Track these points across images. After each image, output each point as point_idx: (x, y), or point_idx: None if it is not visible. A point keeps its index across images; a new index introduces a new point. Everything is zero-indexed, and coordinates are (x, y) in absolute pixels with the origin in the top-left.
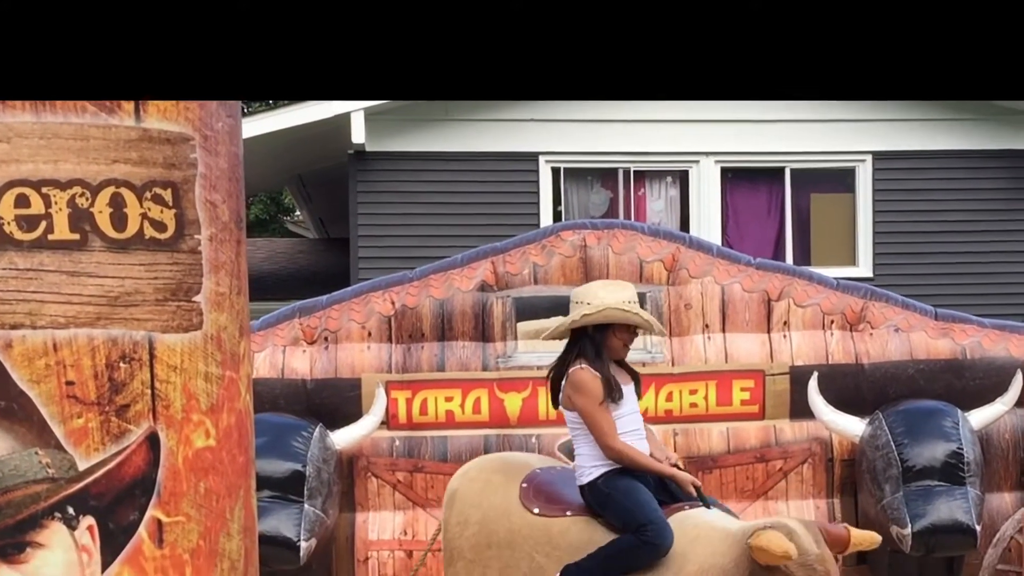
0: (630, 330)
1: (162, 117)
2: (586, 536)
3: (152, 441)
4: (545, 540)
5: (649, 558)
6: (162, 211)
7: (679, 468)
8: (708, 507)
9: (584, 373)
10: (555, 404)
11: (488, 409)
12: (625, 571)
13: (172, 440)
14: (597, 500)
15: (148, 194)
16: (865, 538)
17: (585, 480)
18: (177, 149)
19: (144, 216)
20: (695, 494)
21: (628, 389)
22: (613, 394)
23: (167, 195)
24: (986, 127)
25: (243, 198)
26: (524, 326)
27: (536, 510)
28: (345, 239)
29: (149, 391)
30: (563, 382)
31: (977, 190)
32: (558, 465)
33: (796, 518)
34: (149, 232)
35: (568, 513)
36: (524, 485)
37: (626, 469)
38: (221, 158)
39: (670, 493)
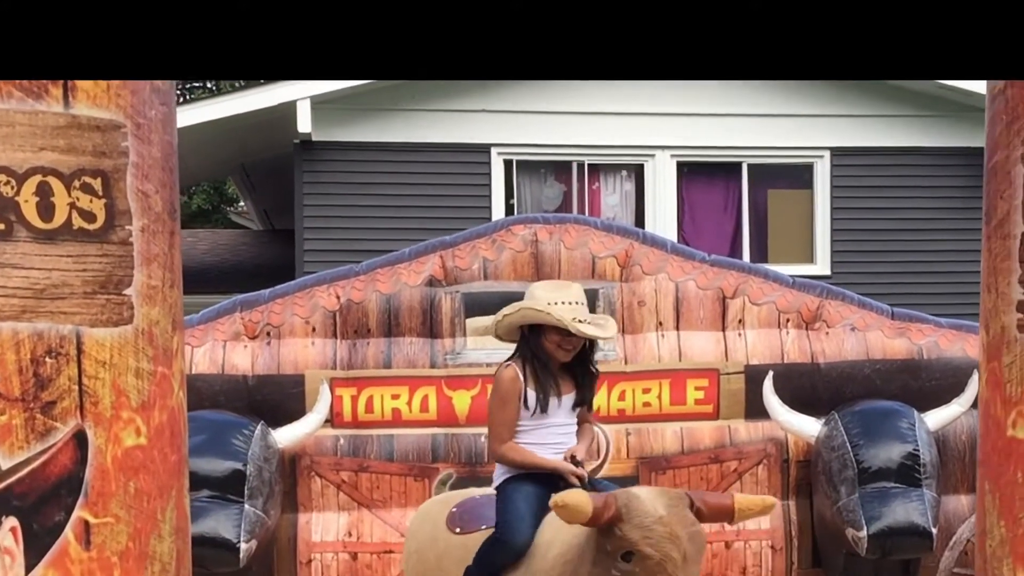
0: (562, 333)
1: (92, 103)
2: None
3: (79, 439)
4: (465, 556)
5: (502, 556)
6: (91, 201)
7: (577, 463)
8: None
9: (505, 371)
10: (544, 409)
11: (436, 407)
12: (492, 571)
13: (100, 438)
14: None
15: (77, 183)
16: (754, 502)
17: (492, 488)
18: (108, 136)
19: (72, 206)
20: (577, 484)
21: (567, 399)
22: (541, 402)
23: (97, 184)
24: (946, 124)
25: (177, 188)
26: (473, 322)
27: (457, 530)
28: (290, 231)
29: (76, 387)
30: None
31: (937, 187)
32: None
33: (655, 487)
34: (78, 222)
35: (483, 527)
36: (454, 510)
37: (525, 473)
38: (154, 147)
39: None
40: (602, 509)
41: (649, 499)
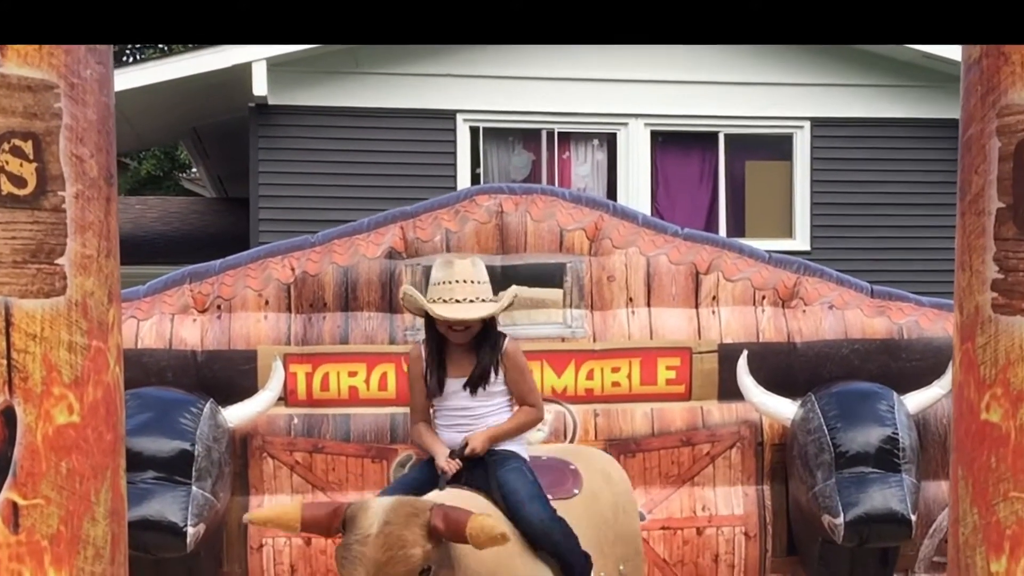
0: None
1: (22, 62)
2: None
3: (7, 416)
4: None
5: None
6: (21, 165)
7: (457, 454)
8: (441, 490)
9: (414, 351)
10: (432, 395)
11: (395, 385)
12: None
13: (30, 415)
14: None
15: (6, 146)
16: (484, 530)
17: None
18: (39, 97)
19: (1, 170)
20: (447, 477)
21: (454, 383)
22: (431, 384)
23: (27, 147)
24: (930, 95)
25: (114, 152)
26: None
27: None
28: (244, 199)
29: (4, 361)
30: None
31: (920, 160)
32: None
33: (394, 499)
34: (7, 188)
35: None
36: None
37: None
38: (89, 108)
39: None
40: (326, 517)
41: (375, 512)
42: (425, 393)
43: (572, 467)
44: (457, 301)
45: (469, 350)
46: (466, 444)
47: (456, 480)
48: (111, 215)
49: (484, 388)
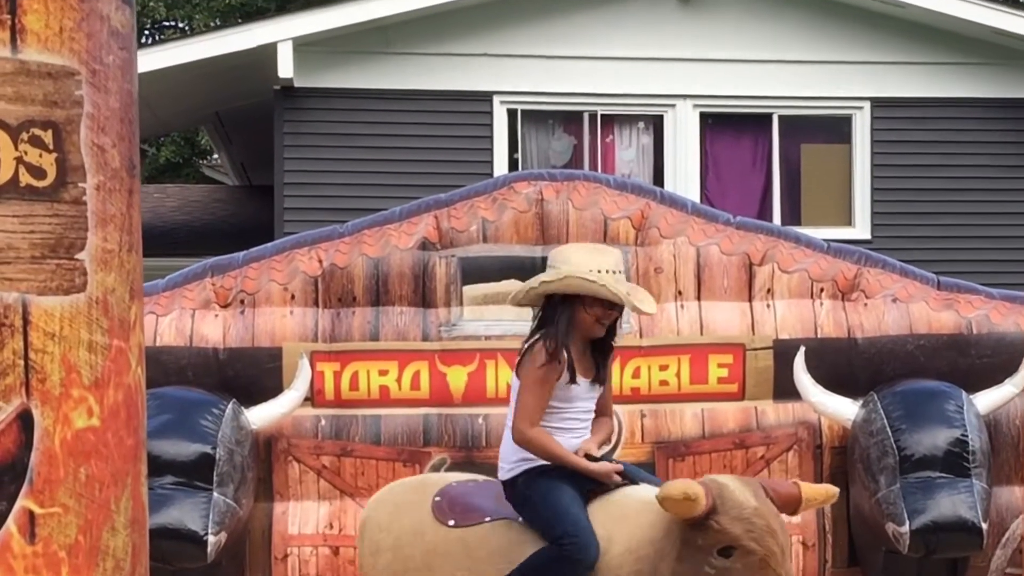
0: (605, 306)
1: (42, 48)
2: (504, 540)
3: (24, 420)
4: (464, 554)
5: (575, 572)
6: (41, 155)
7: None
8: (636, 483)
9: (543, 353)
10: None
11: (428, 385)
12: None
13: (48, 419)
14: (515, 502)
15: (25, 135)
16: (818, 492)
17: (505, 476)
18: (60, 84)
19: (20, 160)
20: (619, 483)
21: (584, 382)
22: (572, 382)
23: (47, 137)
24: (999, 73)
25: (137, 142)
26: (471, 290)
27: (451, 522)
28: (269, 187)
29: (22, 362)
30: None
31: (989, 143)
32: (480, 478)
33: (731, 476)
34: (25, 179)
35: (487, 519)
36: (437, 499)
37: (551, 467)
38: (112, 96)
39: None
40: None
41: (739, 489)
42: (549, 397)
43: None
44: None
45: (584, 347)
46: (602, 450)
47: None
48: (133, 207)
49: (599, 387)
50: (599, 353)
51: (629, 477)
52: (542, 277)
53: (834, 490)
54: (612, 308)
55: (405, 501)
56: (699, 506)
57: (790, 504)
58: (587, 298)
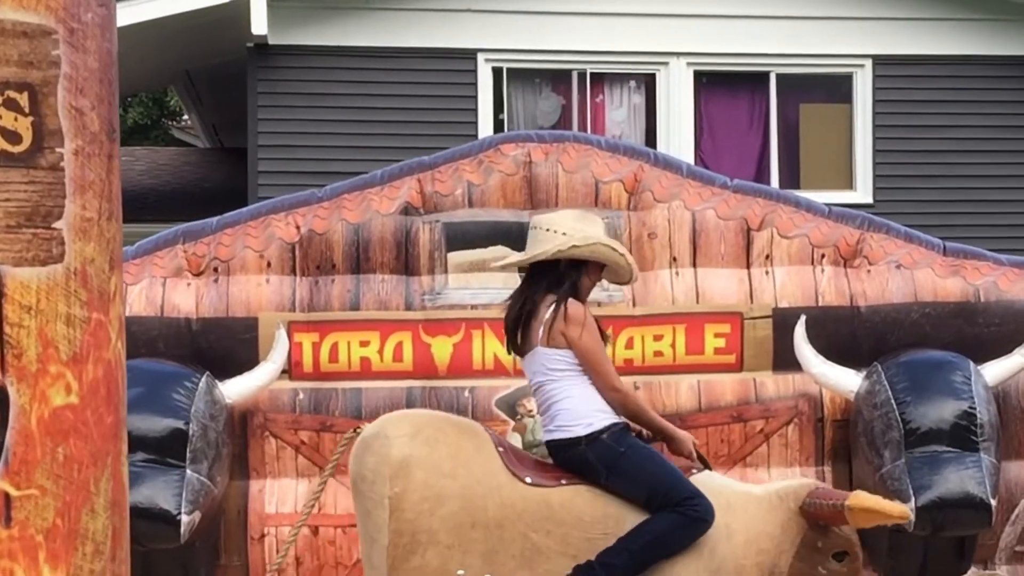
0: (600, 274)
1: (17, 5)
2: (598, 509)
3: None
4: (545, 515)
5: (696, 536)
6: (16, 119)
7: None
8: (710, 469)
9: (578, 307)
10: (512, 350)
11: (412, 356)
12: (670, 555)
13: (24, 396)
14: (603, 458)
15: None
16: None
17: (582, 430)
18: (35, 44)
19: None
20: (695, 455)
21: None
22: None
23: (22, 100)
24: (1007, 30)
25: (116, 104)
26: (456, 257)
27: (529, 479)
28: (242, 149)
29: None
30: (540, 319)
31: (996, 102)
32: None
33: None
34: (0, 144)
35: (563, 482)
36: (501, 450)
37: (625, 426)
38: (90, 56)
39: None
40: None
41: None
42: None
43: None
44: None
45: None
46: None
47: None
48: (113, 173)
49: None
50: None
51: (702, 457)
52: (568, 242)
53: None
54: (600, 277)
55: (463, 445)
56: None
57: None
58: (592, 265)
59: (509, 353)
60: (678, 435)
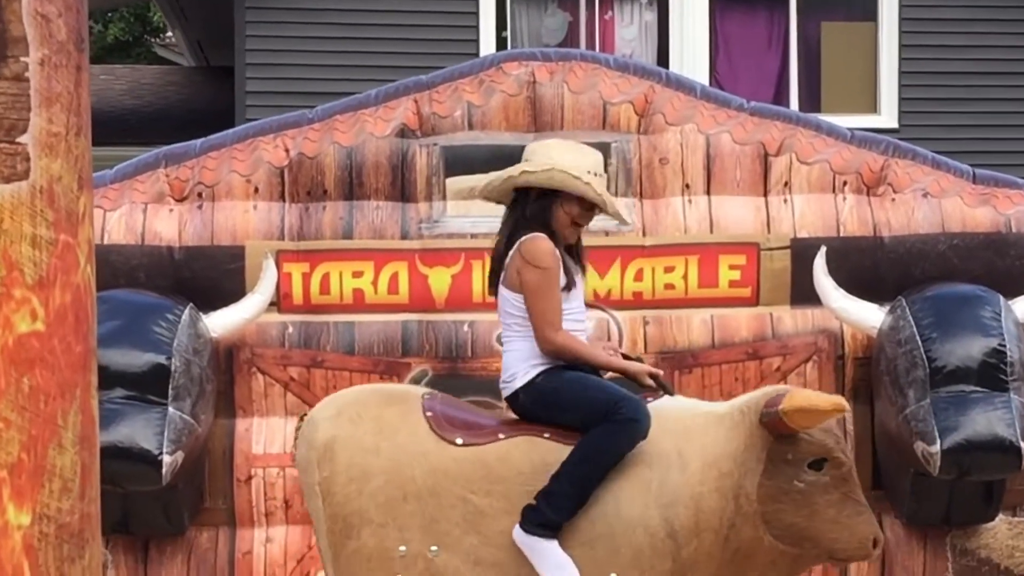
0: (583, 207)
1: None
2: (536, 459)
3: None
4: (482, 475)
5: (630, 440)
6: None
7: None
8: (672, 395)
9: (542, 242)
10: (492, 290)
11: (408, 288)
12: (607, 468)
13: None
14: (539, 402)
15: None
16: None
17: (519, 383)
18: None
19: None
20: (653, 384)
21: (580, 282)
22: (568, 277)
23: None
24: None
25: (85, 12)
26: (455, 182)
27: (459, 440)
28: (229, 68)
29: None
30: (509, 256)
31: None
32: (436, 393)
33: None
34: None
35: (501, 436)
36: (429, 414)
37: (572, 365)
38: None
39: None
40: None
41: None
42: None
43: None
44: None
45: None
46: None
47: None
48: (82, 86)
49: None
50: (573, 259)
51: (662, 384)
52: (523, 167)
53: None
54: (590, 211)
55: (387, 417)
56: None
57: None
58: (565, 197)
59: (491, 294)
60: (630, 369)
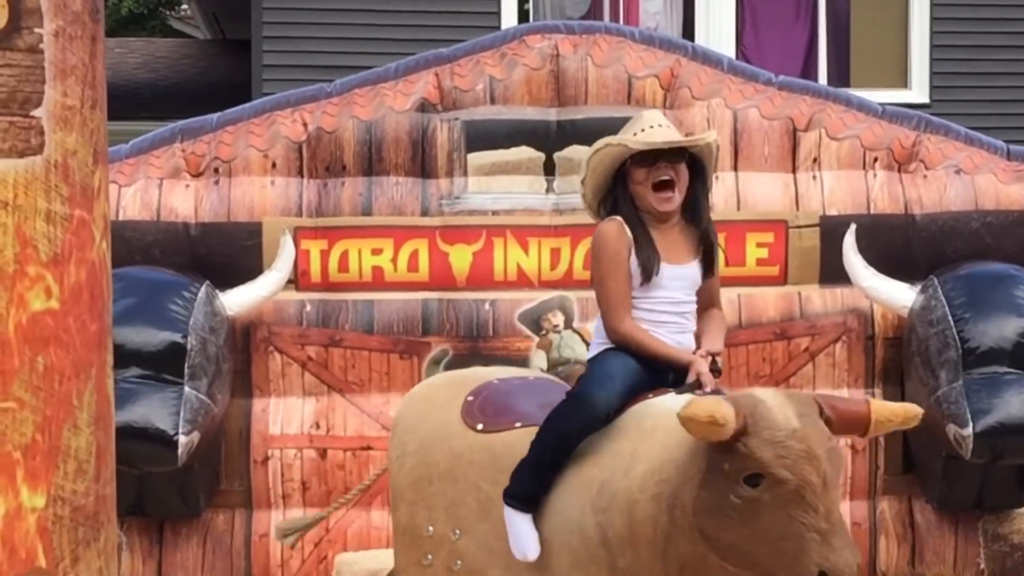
0: (644, 165)
1: None
2: None
3: None
4: (489, 463)
5: (579, 419)
6: None
7: (715, 367)
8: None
9: (609, 225)
10: (648, 278)
11: (428, 266)
12: (558, 444)
13: (1, 301)
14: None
15: None
16: (895, 412)
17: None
18: None
19: None
20: (703, 380)
21: (676, 271)
22: (647, 264)
23: None
24: None
25: None
26: (477, 158)
27: (480, 426)
28: (246, 41)
29: None
30: None
31: None
32: (532, 375)
33: (780, 390)
34: None
35: (518, 424)
36: (470, 398)
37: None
38: None
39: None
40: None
41: (777, 406)
42: (629, 280)
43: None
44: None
45: (679, 231)
46: (711, 355)
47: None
48: (97, 58)
49: (706, 276)
50: (697, 236)
51: (717, 388)
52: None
53: (916, 410)
54: (653, 165)
55: (436, 399)
56: (727, 430)
57: (855, 425)
58: (630, 167)
59: None
60: (694, 366)
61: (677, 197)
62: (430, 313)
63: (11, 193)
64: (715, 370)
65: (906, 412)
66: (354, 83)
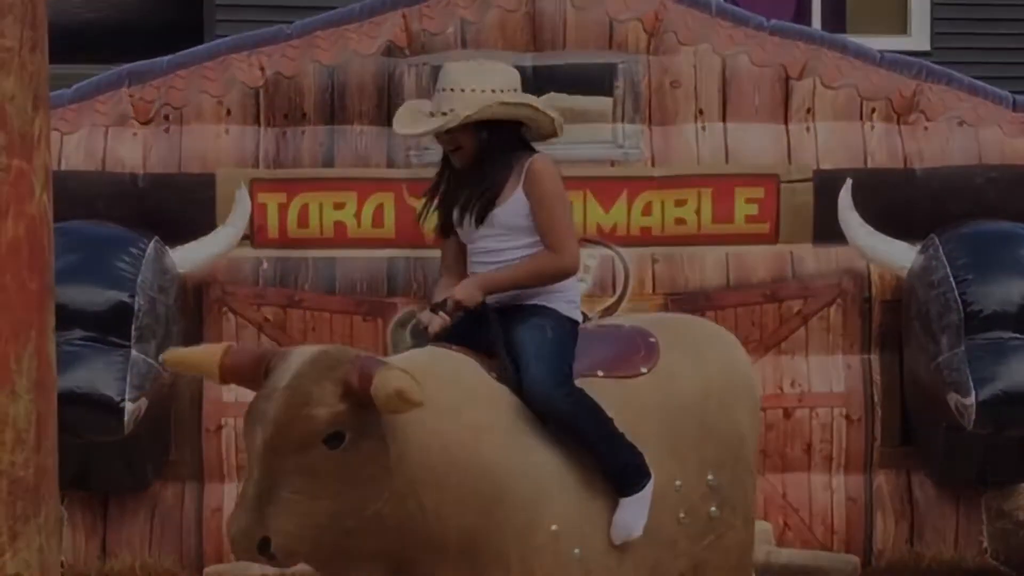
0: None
1: None
2: None
3: None
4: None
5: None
6: None
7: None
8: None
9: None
10: (444, 233)
11: (394, 221)
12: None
13: None
14: None
15: None
16: (386, 386)
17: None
18: None
19: None
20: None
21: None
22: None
23: None
24: None
25: None
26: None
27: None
28: None
29: None
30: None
31: None
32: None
33: (326, 347)
34: None
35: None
36: None
37: None
38: None
39: None
40: (250, 365)
41: (292, 362)
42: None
43: (651, 339)
44: (431, 115)
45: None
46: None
47: (451, 338)
48: None
49: (493, 222)
50: (489, 178)
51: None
52: (481, 100)
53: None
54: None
55: None
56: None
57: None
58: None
59: (443, 236)
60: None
61: (462, 156)
62: (396, 272)
63: None
64: (454, 309)
65: (389, 385)
66: (315, 24)
